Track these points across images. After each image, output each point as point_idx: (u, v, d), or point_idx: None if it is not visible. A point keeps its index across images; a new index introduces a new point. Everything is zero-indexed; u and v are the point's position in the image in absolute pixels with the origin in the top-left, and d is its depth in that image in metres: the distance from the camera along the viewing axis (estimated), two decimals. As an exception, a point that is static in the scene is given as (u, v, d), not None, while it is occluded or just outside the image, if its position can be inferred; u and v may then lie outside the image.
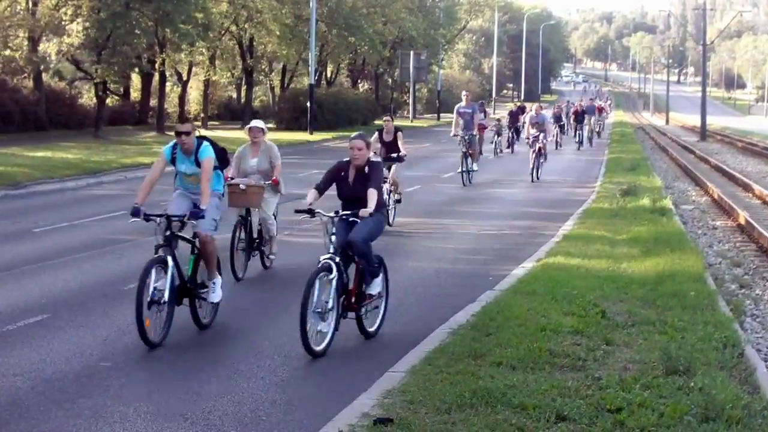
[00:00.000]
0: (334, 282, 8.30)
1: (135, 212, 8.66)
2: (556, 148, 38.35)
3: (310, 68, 48.38)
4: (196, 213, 8.74)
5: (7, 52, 39.26)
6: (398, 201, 16.55)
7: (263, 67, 55.92)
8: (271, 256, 12.21)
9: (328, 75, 63.55)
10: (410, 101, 68.88)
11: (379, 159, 9.33)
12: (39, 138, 35.50)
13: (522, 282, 11.14)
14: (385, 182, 15.73)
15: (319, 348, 8.18)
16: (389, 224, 15.92)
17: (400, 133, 16.51)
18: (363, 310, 8.84)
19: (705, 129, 57.95)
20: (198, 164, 9.02)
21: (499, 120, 39.13)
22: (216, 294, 9.20)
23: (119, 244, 13.88)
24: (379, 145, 16.38)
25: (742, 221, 18.12)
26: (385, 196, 15.73)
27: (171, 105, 52.44)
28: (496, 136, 35.92)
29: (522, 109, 41.99)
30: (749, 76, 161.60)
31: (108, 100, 44.43)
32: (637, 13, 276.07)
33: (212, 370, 7.90)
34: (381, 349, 8.67)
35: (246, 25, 49.46)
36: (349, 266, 8.70)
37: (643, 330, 8.85)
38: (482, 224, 17.19)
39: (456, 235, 15.90)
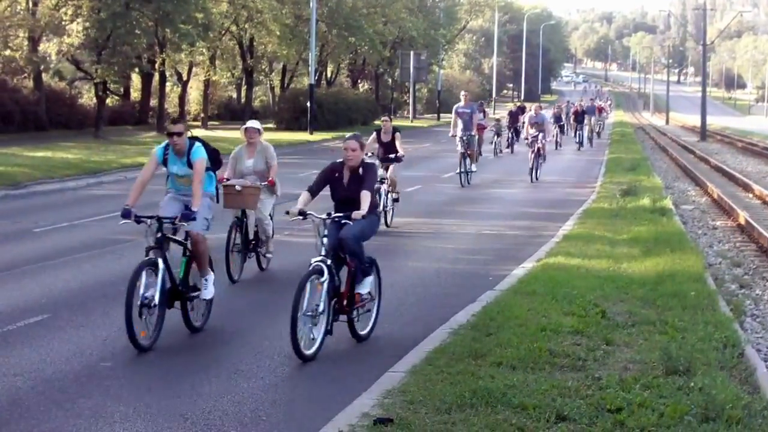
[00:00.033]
0: (325, 285, 8.19)
1: (125, 214, 8.56)
2: (556, 148, 38.36)
3: (310, 68, 48.38)
4: (188, 215, 8.62)
5: (7, 52, 39.28)
6: (396, 200, 16.45)
7: (263, 67, 55.92)
8: (268, 255, 12.09)
9: (328, 75, 63.56)
10: (410, 101, 68.88)
11: (373, 160, 9.22)
12: (39, 138, 35.50)
13: (522, 282, 11.14)
14: (383, 182, 15.74)
15: (309, 352, 8.06)
16: (387, 225, 15.91)
17: (398, 134, 16.40)
18: (355, 313, 8.72)
19: (705, 129, 57.96)
20: (190, 165, 8.91)
21: (498, 120, 39.12)
22: (208, 290, 9.10)
23: (119, 244, 13.88)
24: (376, 146, 16.30)
25: (742, 221, 18.12)
26: (383, 197, 15.72)
27: (171, 105, 52.43)
28: (495, 137, 35.92)
29: (522, 110, 41.99)
30: (749, 76, 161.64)
31: (108, 100, 44.43)
32: (637, 13, 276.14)
33: (212, 370, 7.90)
34: (381, 349, 8.66)
35: (246, 25, 49.47)
36: (340, 269, 8.61)
37: (643, 330, 8.85)
38: (482, 224, 17.19)
39: (456, 235, 15.90)
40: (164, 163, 9.11)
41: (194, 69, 50.86)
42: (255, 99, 59.70)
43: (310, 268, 8.22)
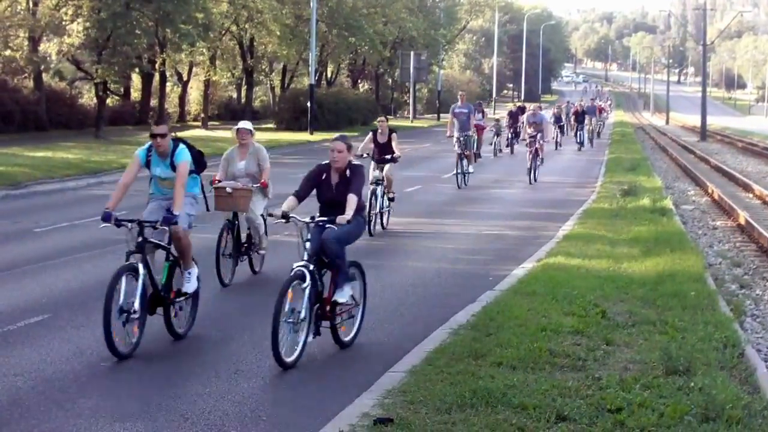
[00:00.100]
0: (307, 291, 7.96)
1: (106, 217, 8.30)
2: (556, 148, 38.36)
3: (310, 68, 48.39)
4: (169, 218, 8.35)
5: (8, 52, 39.27)
6: (391, 200, 16.11)
7: (263, 67, 55.92)
8: (261, 252, 11.83)
9: (329, 75, 63.57)
10: (410, 101, 68.87)
11: (360, 162, 9.00)
12: (39, 138, 35.49)
13: (522, 282, 11.14)
14: (379, 184, 15.64)
15: (289, 359, 7.82)
16: (383, 227, 15.79)
17: (394, 134, 16.12)
18: (339, 319, 8.46)
19: (705, 129, 57.96)
20: (174, 168, 8.66)
21: (498, 120, 39.12)
22: (191, 284, 8.85)
23: (120, 244, 13.72)
24: (372, 146, 16.06)
25: (742, 221, 18.13)
26: (379, 199, 15.59)
27: (171, 105, 52.45)
28: (495, 137, 35.92)
29: (522, 110, 41.94)
30: (749, 76, 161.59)
31: (108, 100, 44.42)
32: (638, 13, 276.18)
33: (212, 370, 7.90)
34: (381, 349, 8.67)
35: (246, 26, 49.47)
36: (324, 274, 8.37)
37: (643, 330, 8.85)
38: (482, 224, 17.19)
39: (456, 235, 15.90)
40: (147, 165, 8.86)
41: (194, 69, 50.88)
42: (255, 99, 59.72)
43: (292, 273, 7.99)
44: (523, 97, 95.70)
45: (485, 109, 40.63)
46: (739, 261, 14.62)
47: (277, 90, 57.89)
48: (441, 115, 69.53)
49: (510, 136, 38.41)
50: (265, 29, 49.18)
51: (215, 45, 47.06)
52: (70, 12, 38.19)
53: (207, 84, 51.70)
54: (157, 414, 6.82)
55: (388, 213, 16.07)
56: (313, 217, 8.36)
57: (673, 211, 18.96)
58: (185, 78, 50.80)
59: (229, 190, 11.14)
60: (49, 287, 10.99)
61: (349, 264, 8.58)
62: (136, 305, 8.09)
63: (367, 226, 14.37)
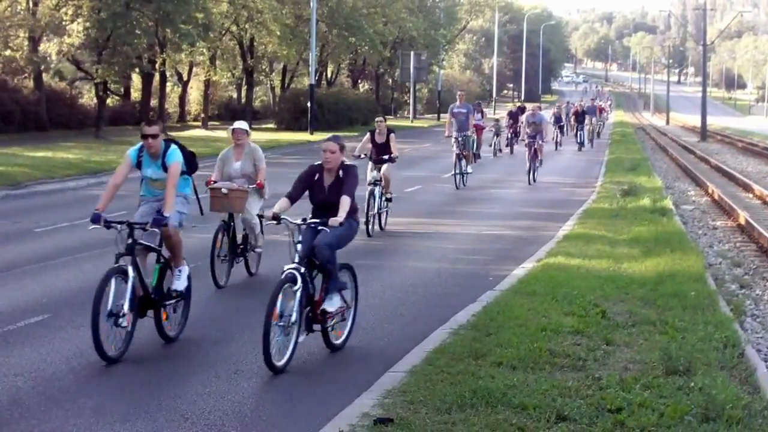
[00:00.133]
0: (298, 294, 7.81)
1: (95, 219, 8.15)
2: (556, 148, 38.35)
3: (310, 68, 48.40)
4: (159, 220, 8.21)
5: (8, 52, 39.30)
6: (389, 200, 15.93)
7: (264, 67, 55.92)
8: (257, 250, 11.67)
9: (329, 75, 63.59)
10: (411, 101, 68.88)
11: (353, 163, 8.89)
12: (39, 138, 35.51)
13: (522, 282, 11.14)
14: (377, 184, 15.58)
15: (280, 363, 7.69)
16: (381, 228, 15.74)
17: (392, 135, 15.93)
18: (330, 322, 8.31)
19: (705, 129, 57.98)
20: (165, 169, 8.52)
21: (497, 120, 39.12)
22: (181, 281, 8.73)
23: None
24: (369, 146, 15.94)
25: (742, 221, 18.13)
26: (377, 199, 15.50)
27: (171, 105, 52.46)
28: (494, 137, 35.92)
29: (522, 110, 41.94)
30: (749, 76, 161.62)
31: (108, 100, 44.43)
32: (638, 13, 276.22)
33: (212, 370, 7.90)
34: (381, 349, 8.67)
35: (246, 26, 49.47)
36: (315, 276, 8.21)
37: (643, 330, 8.85)
38: (482, 224, 17.19)
39: (456, 235, 15.89)
40: (138, 165, 8.74)
41: (194, 69, 50.89)
42: (255, 99, 59.71)
43: (283, 276, 7.85)
44: (523, 97, 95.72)
45: (484, 109, 40.62)
46: (739, 261, 14.63)
47: (278, 90, 57.91)
48: (441, 115, 69.48)
49: (510, 136, 38.40)
50: (265, 29, 49.17)
51: (215, 45, 47.08)
52: (70, 12, 38.21)
53: (207, 84, 51.73)
54: (157, 414, 6.82)
55: (386, 213, 15.96)
56: (304, 219, 8.22)
57: (673, 211, 18.96)
58: (185, 78, 50.77)
59: (224, 191, 11.04)
60: (49, 287, 10.99)
61: (341, 266, 8.47)
62: (126, 308, 7.95)
63: (366, 227, 14.37)
